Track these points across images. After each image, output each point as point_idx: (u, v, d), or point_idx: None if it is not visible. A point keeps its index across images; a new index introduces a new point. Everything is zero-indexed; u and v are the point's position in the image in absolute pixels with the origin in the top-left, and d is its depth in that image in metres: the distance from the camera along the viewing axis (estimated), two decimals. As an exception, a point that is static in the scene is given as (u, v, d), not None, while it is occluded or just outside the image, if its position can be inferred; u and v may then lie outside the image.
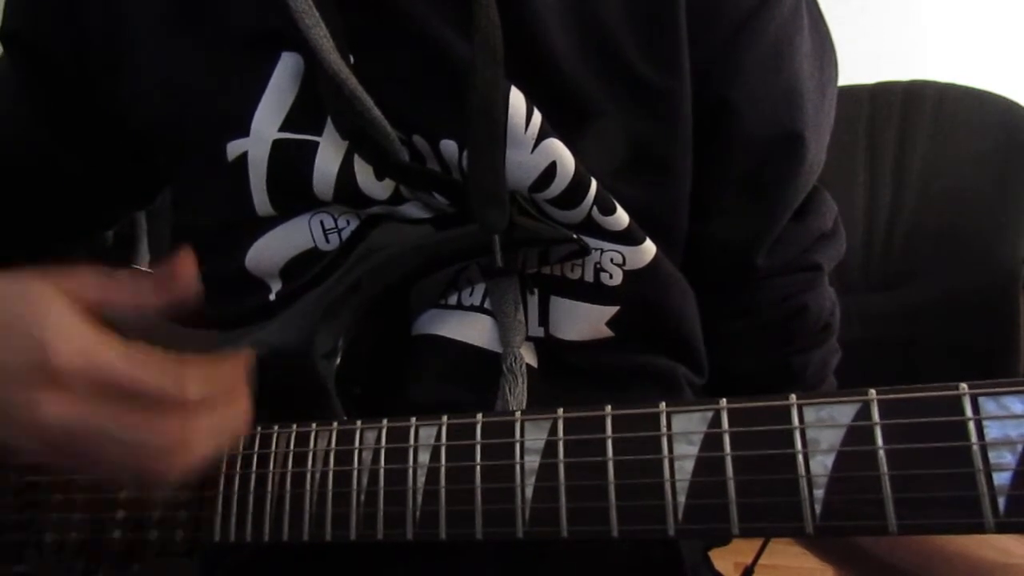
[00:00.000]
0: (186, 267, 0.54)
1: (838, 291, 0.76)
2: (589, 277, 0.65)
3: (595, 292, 0.65)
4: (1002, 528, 0.37)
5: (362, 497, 0.53)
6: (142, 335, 0.57)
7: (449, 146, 0.62)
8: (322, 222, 0.66)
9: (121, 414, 0.48)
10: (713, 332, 0.72)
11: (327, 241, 0.66)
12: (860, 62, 1.57)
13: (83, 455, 0.49)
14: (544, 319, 0.66)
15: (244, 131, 0.65)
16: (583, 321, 0.66)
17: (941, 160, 1.45)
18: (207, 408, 0.50)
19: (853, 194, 1.43)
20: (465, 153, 0.62)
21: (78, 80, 0.73)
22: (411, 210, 0.64)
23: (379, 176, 0.64)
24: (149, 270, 0.82)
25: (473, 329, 0.65)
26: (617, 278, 0.65)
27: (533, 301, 0.65)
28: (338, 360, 0.62)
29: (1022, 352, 1.34)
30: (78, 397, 0.47)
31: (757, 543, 1.21)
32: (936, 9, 2.37)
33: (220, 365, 0.52)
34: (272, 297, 0.68)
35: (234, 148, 0.65)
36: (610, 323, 0.66)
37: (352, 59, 0.63)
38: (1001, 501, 0.38)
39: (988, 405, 0.39)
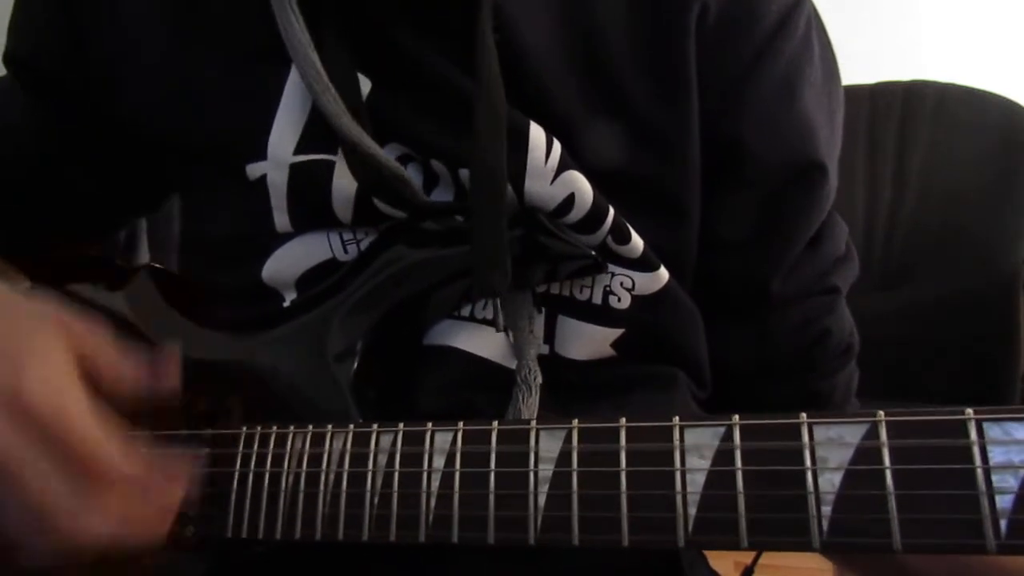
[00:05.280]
0: (170, 374, 0.57)
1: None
2: (598, 299, 0.66)
3: (602, 314, 0.66)
4: (1003, 550, 0.39)
5: (376, 499, 0.53)
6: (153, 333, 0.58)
7: (467, 173, 0.63)
8: (341, 234, 0.67)
9: (46, 461, 0.49)
10: (737, 362, 0.72)
11: (345, 252, 0.67)
12: (860, 62, 1.57)
13: None
14: (550, 337, 0.67)
15: (261, 154, 0.66)
16: (588, 341, 0.67)
17: (941, 160, 1.46)
18: (127, 491, 0.51)
19: (853, 194, 1.44)
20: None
21: (82, 96, 0.73)
22: (429, 224, 0.65)
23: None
24: (158, 266, 0.82)
25: (484, 342, 0.66)
26: (625, 302, 0.66)
27: (540, 319, 0.66)
28: (355, 364, 0.63)
29: (1022, 352, 1.35)
30: (24, 431, 0.49)
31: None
32: (936, 9, 2.37)
33: (168, 460, 0.53)
34: (286, 304, 0.69)
35: (254, 170, 0.66)
36: (614, 344, 0.67)
37: (369, 84, 0.64)
38: (1003, 524, 0.39)
39: (993, 430, 0.40)
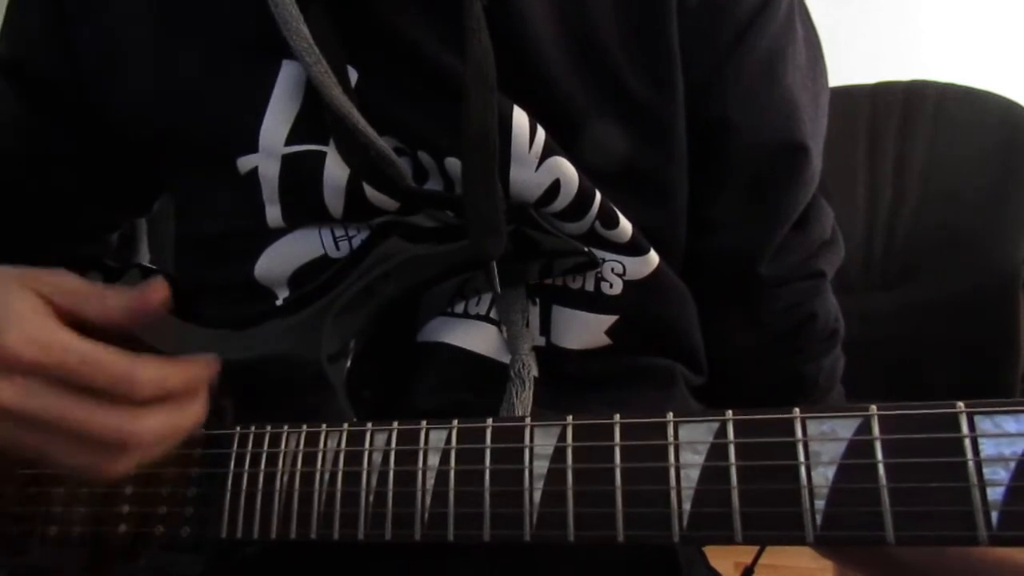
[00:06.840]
0: (158, 295, 0.56)
1: (838, 291, 0.76)
2: (590, 287, 0.66)
3: (595, 301, 0.66)
4: (995, 542, 0.39)
5: (371, 498, 0.53)
6: (144, 332, 0.58)
7: (453, 164, 0.63)
8: (332, 230, 0.67)
9: (64, 405, 0.50)
10: (725, 345, 0.73)
11: (337, 248, 0.67)
12: (860, 62, 1.57)
13: (27, 442, 0.51)
14: (546, 328, 0.67)
15: (253, 146, 0.66)
16: (583, 330, 0.67)
17: (941, 160, 1.45)
18: (155, 408, 0.52)
19: (853, 194, 1.43)
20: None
21: (73, 98, 0.73)
22: (420, 220, 0.65)
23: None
24: (149, 266, 0.82)
25: (478, 338, 0.66)
26: (617, 288, 0.66)
27: (535, 311, 0.66)
28: (348, 363, 0.63)
29: (1022, 352, 1.34)
30: (24, 384, 0.50)
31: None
32: (936, 9, 2.37)
33: (178, 366, 0.54)
34: (279, 302, 0.68)
35: (244, 163, 0.66)
36: (609, 332, 0.67)
37: (356, 75, 0.64)
38: (994, 516, 0.39)
39: (983, 423, 0.40)
